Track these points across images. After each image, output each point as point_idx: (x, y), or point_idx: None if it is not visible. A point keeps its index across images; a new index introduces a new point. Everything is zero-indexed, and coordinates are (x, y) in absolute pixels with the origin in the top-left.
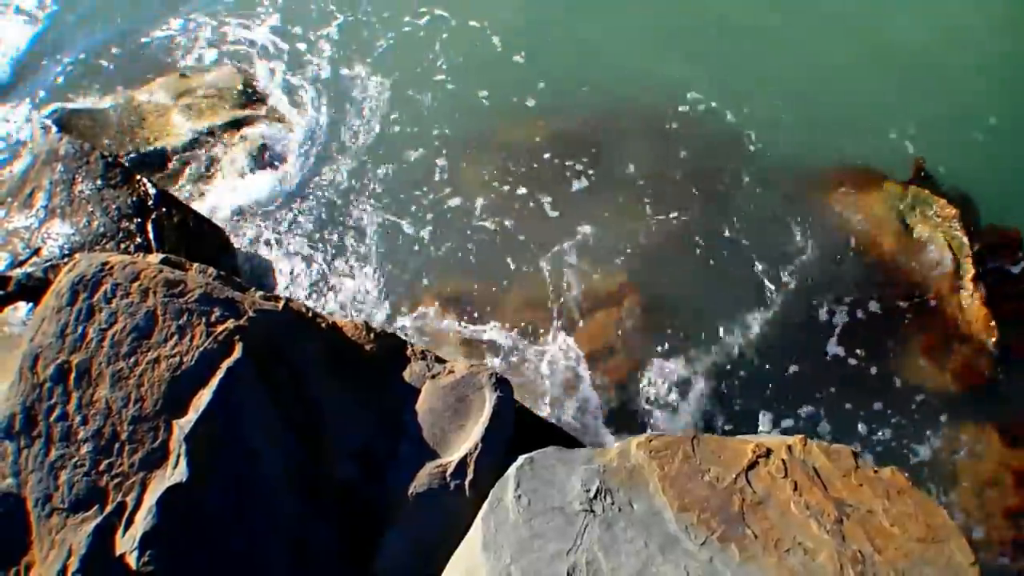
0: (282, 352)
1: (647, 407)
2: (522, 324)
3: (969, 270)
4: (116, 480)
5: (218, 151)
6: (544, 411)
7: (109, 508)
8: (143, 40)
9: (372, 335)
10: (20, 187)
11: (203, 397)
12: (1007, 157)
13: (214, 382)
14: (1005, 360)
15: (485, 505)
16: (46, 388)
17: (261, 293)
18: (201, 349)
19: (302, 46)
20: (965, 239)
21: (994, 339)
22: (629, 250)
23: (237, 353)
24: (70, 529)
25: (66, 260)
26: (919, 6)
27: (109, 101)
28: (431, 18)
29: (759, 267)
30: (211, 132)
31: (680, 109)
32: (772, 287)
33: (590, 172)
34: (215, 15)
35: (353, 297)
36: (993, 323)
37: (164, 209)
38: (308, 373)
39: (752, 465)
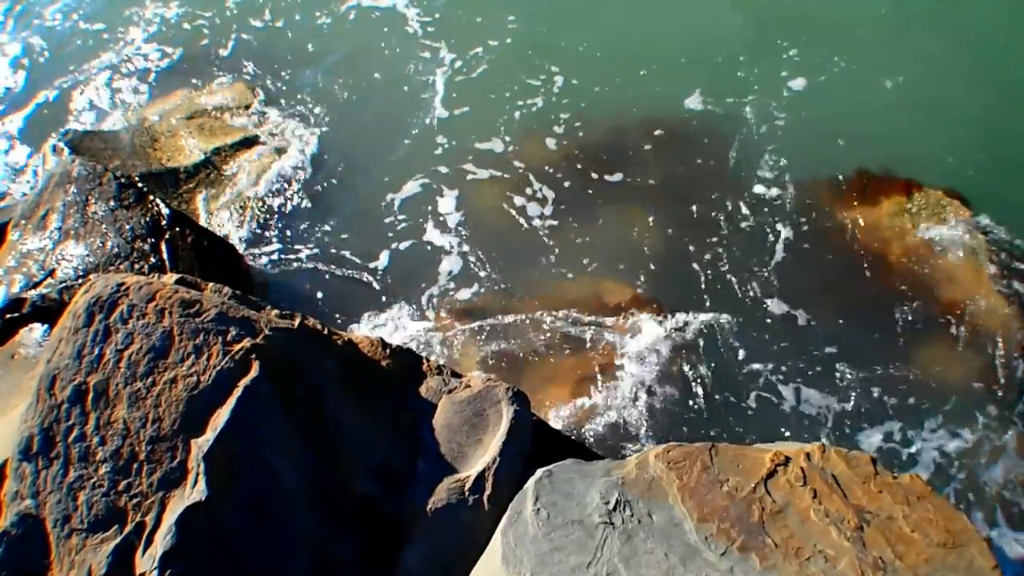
0: (299, 369)
1: (662, 417)
2: (536, 335)
3: (988, 271)
4: (135, 500)
5: (230, 170)
6: (560, 423)
7: (128, 528)
8: (154, 60)
9: (388, 351)
10: (34, 209)
11: (221, 416)
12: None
13: (231, 401)
14: None
15: (504, 519)
16: (64, 409)
17: (276, 311)
18: (218, 368)
19: (315, 64)
20: (983, 240)
21: (1016, 341)
22: (637, 260)
23: (254, 371)
24: (90, 550)
25: (81, 281)
26: (926, 8)
27: (121, 122)
28: (437, 34)
29: (771, 273)
30: (223, 151)
31: (685, 114)
32: (785, 293)
33: (597, 183)
34: (227, 33)
35: (368, 313)
36: (1015, 325)
37: (178, 229)
38: (325, 390)
39: (771, 474)
